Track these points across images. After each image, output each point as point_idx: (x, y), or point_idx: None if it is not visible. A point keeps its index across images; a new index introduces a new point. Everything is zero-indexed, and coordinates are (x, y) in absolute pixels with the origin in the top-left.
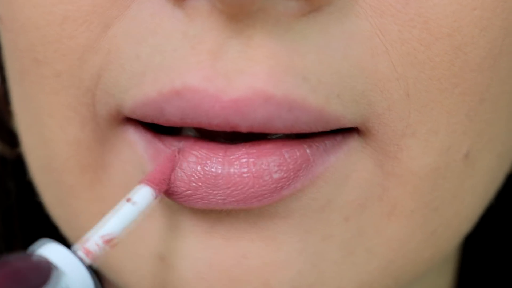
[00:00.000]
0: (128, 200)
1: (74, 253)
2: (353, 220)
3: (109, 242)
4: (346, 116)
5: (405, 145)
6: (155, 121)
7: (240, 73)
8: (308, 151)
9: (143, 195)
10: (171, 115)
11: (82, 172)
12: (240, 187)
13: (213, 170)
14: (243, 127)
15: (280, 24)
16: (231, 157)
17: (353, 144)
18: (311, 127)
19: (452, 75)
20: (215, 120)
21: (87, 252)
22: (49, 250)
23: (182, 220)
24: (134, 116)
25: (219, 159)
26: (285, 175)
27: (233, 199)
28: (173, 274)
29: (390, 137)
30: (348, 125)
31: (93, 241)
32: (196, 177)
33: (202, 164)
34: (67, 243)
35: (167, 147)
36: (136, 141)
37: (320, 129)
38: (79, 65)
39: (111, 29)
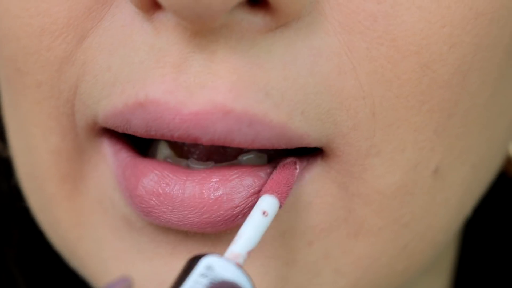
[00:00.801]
0: (264, 213)
1: (240, 269)
2: (317, 244)
3: (250, 253)
4: (310, 134)
5: (370, 164)
6: (125, 132)
7: (202, 87)
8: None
9: (273, 206)
10: (137, 127)
11: (62, 182)
12: (195, 211)
13: (173, 191)
14: (204, 140)
15: (245, 40)
16: (191, 181)
17: (316, 170)
18: (273, 143)
19: (419, 93)
20: (176, 132)
21: (240, 267)
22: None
23: (146, 242)
24: (107, 126)
25: (180, 182)
26: (241, 204)
27: (187, 222)
28: None
29: (355, 157)
30: (313, 144)
31: (242, 257)
32: (155, 195)
33: (163, 186)
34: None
35: (132, 158)
36: (108, 153)
37: (283, 146)
38: (57, 76)
39: (86, 40)
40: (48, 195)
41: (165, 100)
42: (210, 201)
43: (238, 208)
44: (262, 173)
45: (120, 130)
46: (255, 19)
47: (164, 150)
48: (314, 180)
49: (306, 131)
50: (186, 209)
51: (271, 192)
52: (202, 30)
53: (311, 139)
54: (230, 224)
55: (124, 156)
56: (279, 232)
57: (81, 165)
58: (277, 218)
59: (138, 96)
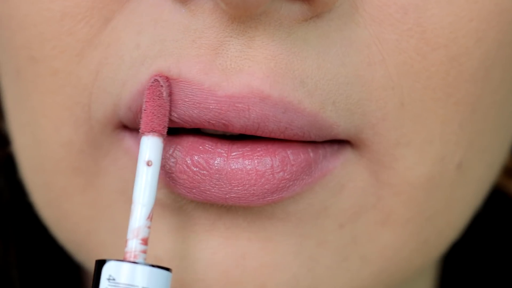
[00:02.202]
0: (148, 163)
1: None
2: (347, 228)
3: (150, 217)
4: (339, 124)
5: (400, 154)
6: None
7: (238, 71)
8: (311, 155)
9: (155, 148)
10: None
11: (74, 175)
12: (243, 183)
13: (216, 163)
14: (236, 126)
15: (283, 28)
16: (236, 153)
17: (348, 155)
18: (304, 132)
19: (446, 85)
20: (207, 114)
21: (145, 241)
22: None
23: (182, 221)
24: (130, 115)
25: (224, 154)
26: (287, 176)
27: (234, 195)
28: None
29: (385, 146)
30: (341, 135)
31: (143, 230)
32: (200, 170)
33: (207, 158)
34: (56, 243)
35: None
36: (132, 146)
37: (313, 137)
38: (77, 61)
39: (112, 22)
40: (58, 189)
41: (199, 80)
42: (259, 173)
43: (284, 181)
44: (309, 148)
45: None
46: (293, 7)
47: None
48: (347, 163)
49: (336, 121)
50: (232, 182)
51: (148, 130)
52: (242, 16)
53: (340, 129)
54: (276, 197)
55: None
56: (315, 212)
57: (95, 159)
58: (313, 196)
59: (170, 71)
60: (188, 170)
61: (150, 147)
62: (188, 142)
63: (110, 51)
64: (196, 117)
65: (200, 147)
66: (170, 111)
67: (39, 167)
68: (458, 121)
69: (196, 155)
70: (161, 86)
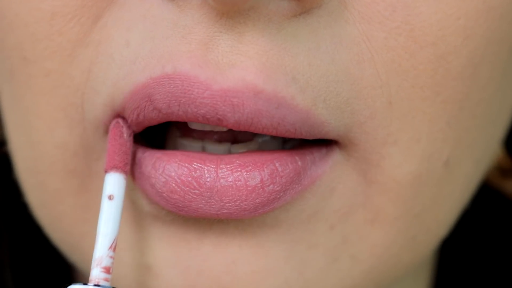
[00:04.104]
0: (110, 197)
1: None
2: (338, 228)
3: (113, 247)
4: (330, 122)
5: (387, 153)
6: (138, 119)
7: (231, 66)
8: (300, 163)
9: (118, 183)
10: (159, 101)
11: (68, 177)
12: (234, 199)
13: (206, 181)
14: (231, 120)
15: (272, 24)
16: (224, 169)
17: (336, 157)
18: (296, 129)
19: (434, 84)
20: (203, 108)
21: (107, 270)
22: None
23: (173, 230)
24: (121, 115)
25: (213, 171)
26: (277, 188)
27: (226, 211)
28: (160, 283)
29: (372, 145)
30: (331, 134)
31: (106, 260)
32: (191, 190)
33: (196, 177)
34: (51, 243)
35: (151, 153)
36: None
37: (304, 134)
38: (69, 61)
39: (101, 19)
40: (52, 191)
41: (194, 74)
42: (249, 188)
43: (274, 193)
44: (296, 157)
45: (134, 116)
46: (281, 3)
47: (177, 133)
48: (336, 166)
49: (326, 119)
50: (223, 199)
51: (111, 168)
52: (230, 11)
53: (331, 127)
54: (267, 208)
55: (144, 155)
56: (305, 217)
57: (89, 162)
58: (304, 203)
59: (165, 69)
60: (179, 189)
61: (112, 183)
62: (176, 160)
63: (100, 49)
64: (191, 112)
65: (189, 165)
66: (167, 104)
67: (33, 168)
68: (445, 119)
69: (185, 174)
70: (122, 126)
